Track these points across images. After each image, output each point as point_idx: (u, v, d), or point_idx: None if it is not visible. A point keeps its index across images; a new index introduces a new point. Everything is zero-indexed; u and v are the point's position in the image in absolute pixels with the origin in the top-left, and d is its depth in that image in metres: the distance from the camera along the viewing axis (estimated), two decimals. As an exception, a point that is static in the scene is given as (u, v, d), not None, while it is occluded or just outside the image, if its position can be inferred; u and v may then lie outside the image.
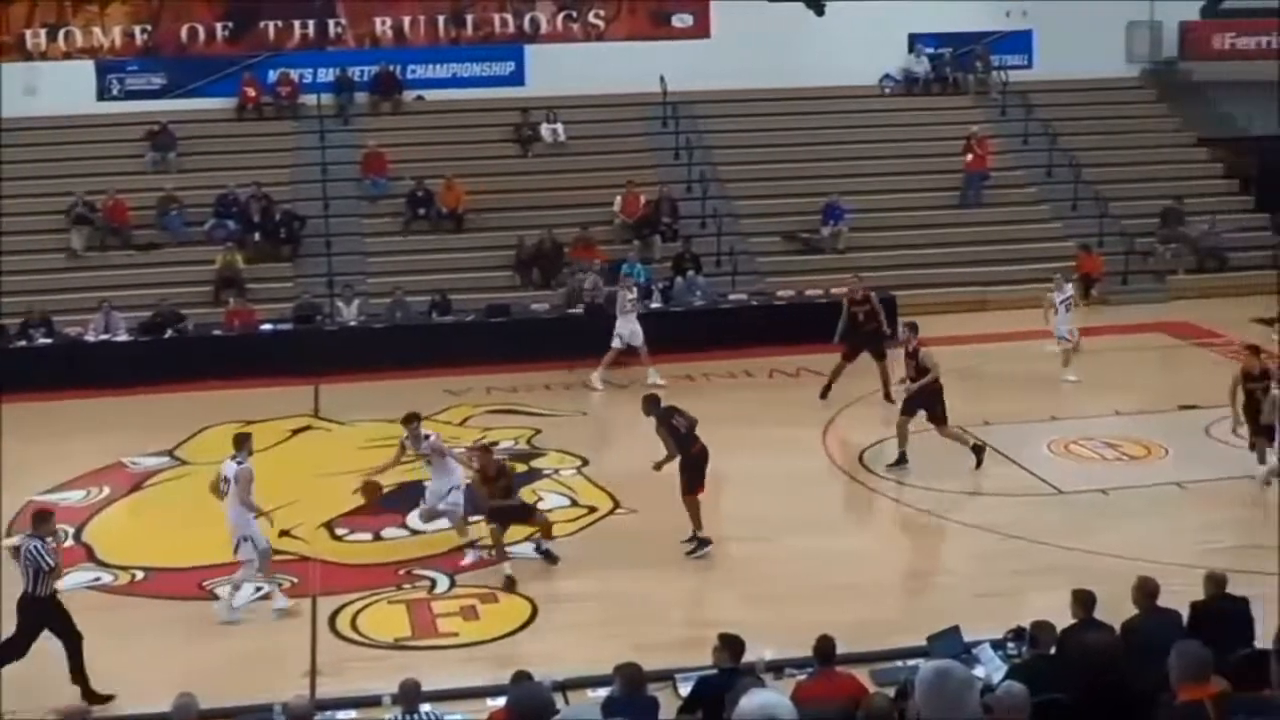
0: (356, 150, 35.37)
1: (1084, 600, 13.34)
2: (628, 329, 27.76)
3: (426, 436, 19.80)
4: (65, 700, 13.79)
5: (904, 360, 22.71)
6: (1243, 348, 23.00)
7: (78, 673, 15.09)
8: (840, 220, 33.99)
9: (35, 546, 15.09)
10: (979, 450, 22.07)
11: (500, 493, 18.75)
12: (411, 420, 19.83)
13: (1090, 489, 21.06)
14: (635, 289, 28.56)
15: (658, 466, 19.22)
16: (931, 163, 36.20)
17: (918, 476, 22.00)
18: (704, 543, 18.88)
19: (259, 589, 17.81)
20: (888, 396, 25.37)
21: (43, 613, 15.17)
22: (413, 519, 20.37)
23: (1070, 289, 27.73)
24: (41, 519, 15.51)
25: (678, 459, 19.07)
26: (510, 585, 17.93)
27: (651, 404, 19.53)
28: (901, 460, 22.10)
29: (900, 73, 39.14)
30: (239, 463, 17.49)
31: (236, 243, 32.42)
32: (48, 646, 15.21)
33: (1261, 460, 20.93)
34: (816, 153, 36.28)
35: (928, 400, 22.11)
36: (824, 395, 25.78)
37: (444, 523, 19.74)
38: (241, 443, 17.83)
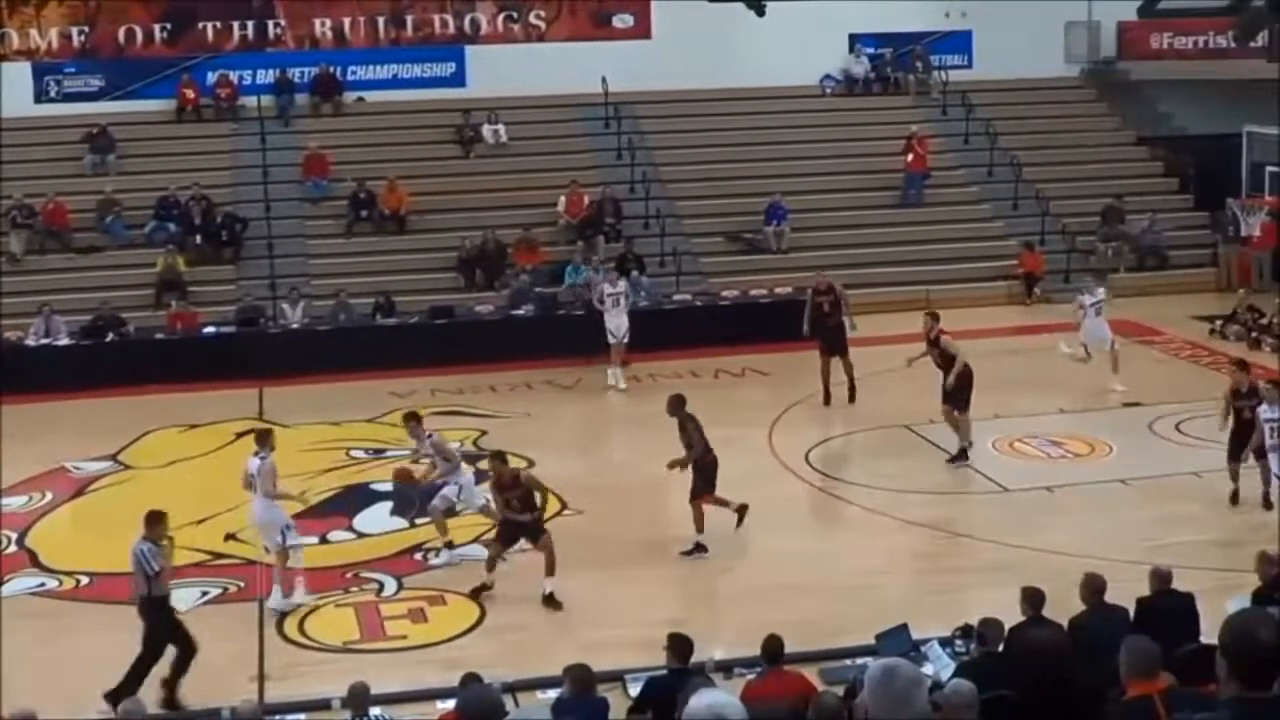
0: (297, 152, 35.23)
1: (1032, 598, 13.41)
2: (614, 323, 27.83)
3: (428, 435, 19.72)
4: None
5: (927, 349, 22.82)
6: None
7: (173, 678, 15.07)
8: (782, 220, 34.07)
9: (145, 549, 15.11)
10: (964, 453, 22.21)
11: (516, 503, 17.88)
12: (411, 419, 19.83)
13: (1036, 486, 21.19)
14: (621, 283, 28.61)
15: (675, 466, 19.20)
16: (873, 162, 36.34)
17: (864, 475, 22.09)
18: (701, 548, 18.81)
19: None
20: (852, 395, 25.52)
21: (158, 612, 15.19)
22: (361, 522, 20.31)
23: (1101, 292, 27.09)
24: (153, 521, 15.46)
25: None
26: (478, 592, 17.69)
27: (677, 404, 19.51)
28: (962, 455, 22.22)
29: (840, 73, 39.26)
30: (261, 458, 17.79)
31: (178, 245, 32.20)
32: (47, 655, 15.11)
33: (1234, 479, 20.45)
34: (758, 153, 36.34)
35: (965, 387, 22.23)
36: (826, 401, 25.91)
37: (397, 523, 19.86)
38: (264, 439, 18.18)
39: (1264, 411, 19.38)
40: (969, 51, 39.81)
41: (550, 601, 17.43)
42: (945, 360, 22.20)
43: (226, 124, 36.08)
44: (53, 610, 17.80)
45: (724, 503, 19.19)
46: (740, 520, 19.12)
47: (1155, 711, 7.87)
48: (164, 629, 15.16)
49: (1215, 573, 16.90)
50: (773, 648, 12.77)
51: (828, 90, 39.07)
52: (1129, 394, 25.75)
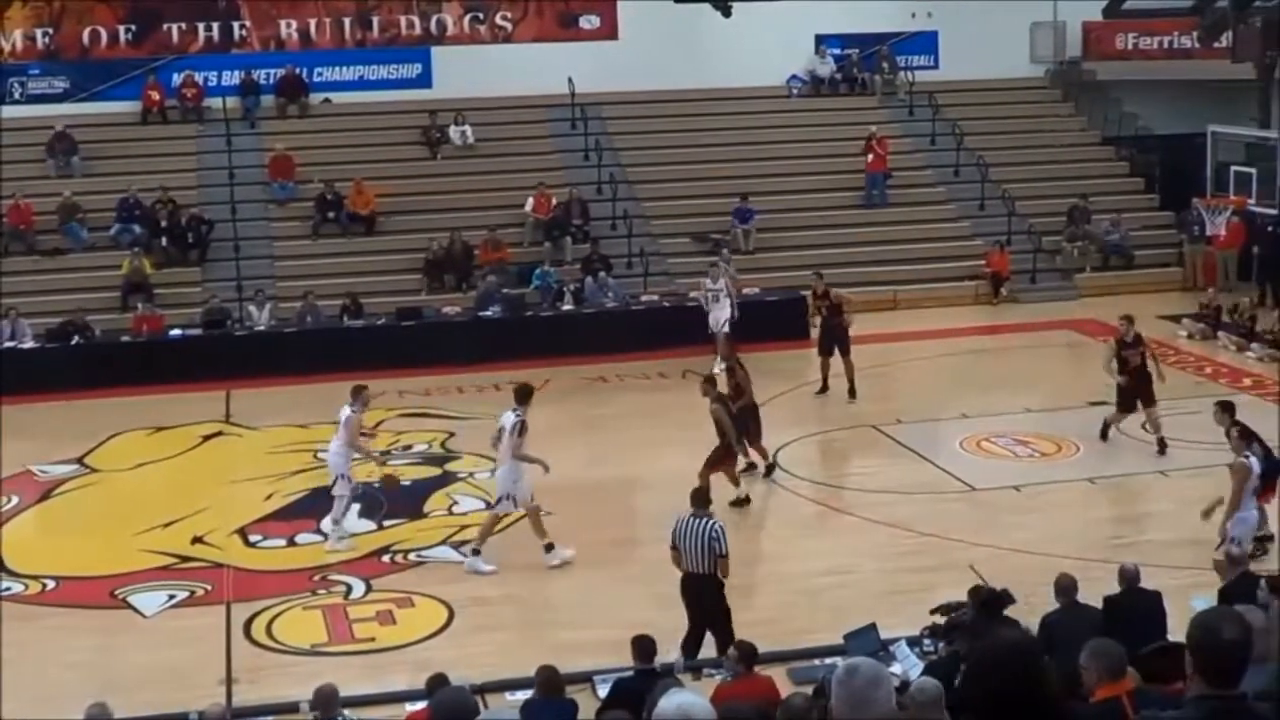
0: (263, 154, 35.13)
1: (982, 597, 13.57)
2: (714, 317, 28.35)
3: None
4: None
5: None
6: (1119, 318, 23.39)
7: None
8: (749, 221, 34.09)
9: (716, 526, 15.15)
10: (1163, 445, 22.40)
11: None
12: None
13: (1003, 486, 21.25)
14: (721, 280, 28.83)
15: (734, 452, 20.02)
16: (839, 163, 36.39)
17: (832, 475, 22.15)
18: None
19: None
20: (852, 393, 25.63)
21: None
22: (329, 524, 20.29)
23: None
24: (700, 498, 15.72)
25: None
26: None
27: (711, 387, 20.37)
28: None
29: (807, 74, 39.28)
30: (353, 410, 19.56)
31: (143, 248, 32.05)
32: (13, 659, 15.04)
33: (1108, 426, 22.40)
34: (725, 153, 36.35)
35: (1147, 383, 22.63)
36: (823, 390, 26.33)
37: (365, 525, 19.91)
38: (357, 393, 19.81)
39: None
40: (935, 52, 39.88)
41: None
42: (1142, 360, 22.52)
43: (192, 126, 35.93)
44: (19, 614, 17.69)
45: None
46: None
47: (1123, 713, 7.90)
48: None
49: (1181, 571, 16.97)
50: (746, 651, 12.80)
51: (794, 91, 39.09)
52: (1042, 390, 26.05)
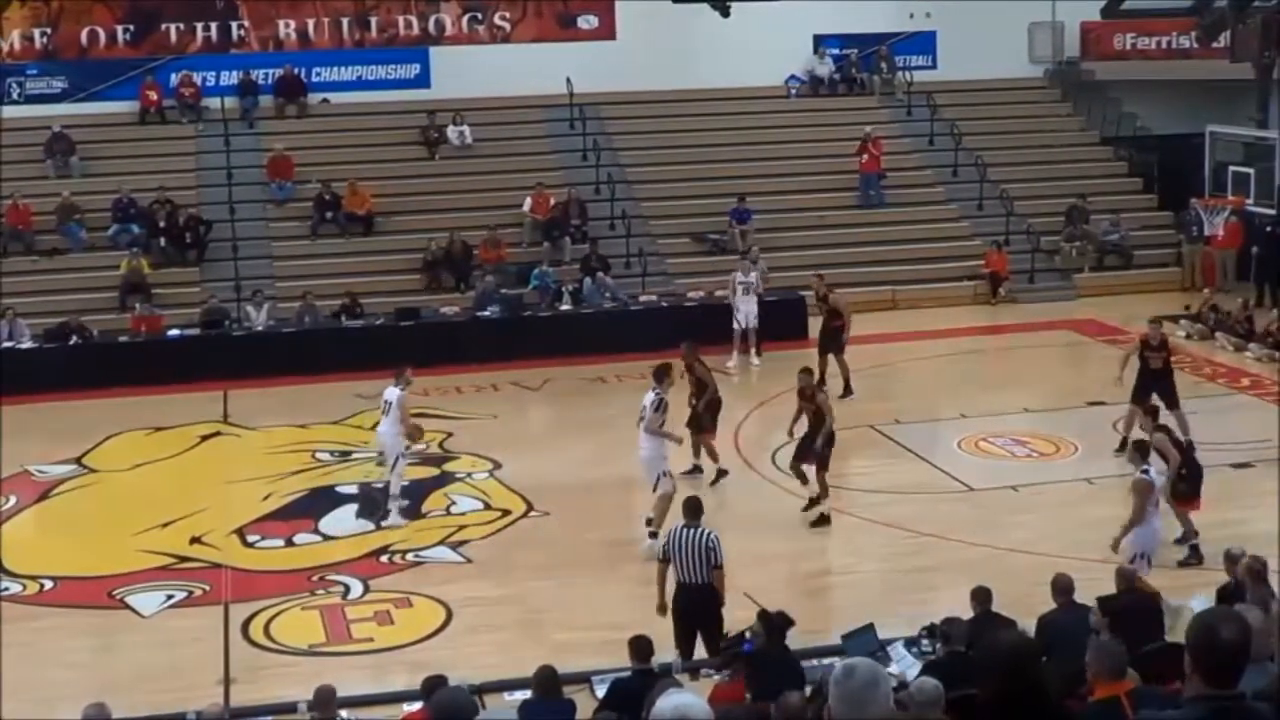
0: (262, 154, 35.10)
1: (981, 597, 13.62)
2: (744, 311, 28.60)
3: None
4: None
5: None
6: (1148, 321, 23.40)
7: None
8: (747, 221, 34.07)
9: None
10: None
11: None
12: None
13: (1001, 486, 21.26)
14: (753, 274, 29.08)
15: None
16: (838, 163, 36.35)
17: (830, 475, 22.08)
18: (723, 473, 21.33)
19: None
20: (847, 390, 25.68)
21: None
22: (327, 524, 20.28)
23: None
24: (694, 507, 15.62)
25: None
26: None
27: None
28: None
29: (805, 74, 39.26)
30: (400, 389, 20.54)
31: (142, 248, 32.02)
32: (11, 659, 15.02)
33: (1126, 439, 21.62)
34: (724, 154, 36.34)
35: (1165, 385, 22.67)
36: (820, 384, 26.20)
37: (363, 525, 19.93)
38: (400, 374, 20.74)
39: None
40: (933, 52, 39.87)
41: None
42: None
43: (190, 126, 35.91)
44: (17, 614, 17.68)
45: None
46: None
47: (1122, 711, 7.90)
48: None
49: (1179, 571, 16.99)
50: (776, 622, 12.85)
51: (792, 91, 39.07)
52: (1040, 390, 26.08)
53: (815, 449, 20.02)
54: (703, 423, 21.82)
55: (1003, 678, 6.61)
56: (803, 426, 20.54)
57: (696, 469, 21.77)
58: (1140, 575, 15.18)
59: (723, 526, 19.14)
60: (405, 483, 20.91)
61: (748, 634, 13.35)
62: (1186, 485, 18.48)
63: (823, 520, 19.87)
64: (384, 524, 20.34)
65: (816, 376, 26.05)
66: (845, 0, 38.81)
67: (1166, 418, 22.28)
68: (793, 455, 20.44)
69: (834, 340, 26.45)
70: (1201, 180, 33.58)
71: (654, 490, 19.22)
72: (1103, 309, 32.07)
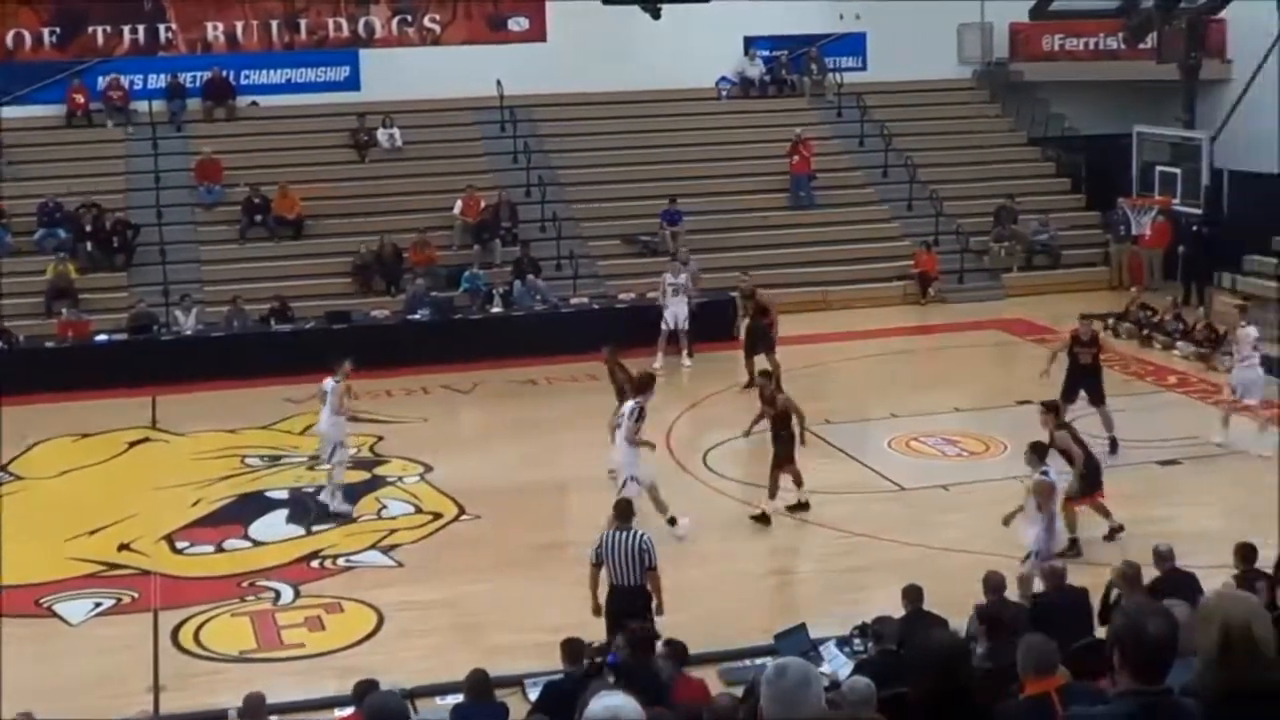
0: (190, 157, 34.83)
1: (913, 595, 13.69)
2: (672, 312, 28.56)
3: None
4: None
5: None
6: (1079, 318, 23.63)
7: None
8: (678, 223, 34.09)
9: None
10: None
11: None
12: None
13: (932, 485, 21.33)
14: (683, 275, 29.09)
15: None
16: (769, 164, 36.42)
17: (761, 476, 22.11)
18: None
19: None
20: (777, 388, 25.73)
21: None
22: (257, 530, 20.15)
23: (1252, 331, 24.07)
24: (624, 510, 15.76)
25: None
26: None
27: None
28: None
29: (736, 75, 39.32)
30: (336, 380, 20.83)
31: (68, 253, 31.73)
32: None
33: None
34: (655, 155, 36.37)
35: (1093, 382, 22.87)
36: (750, 384, 26.17)
37: (294, 530, 19.81)
38: (336, 367, 21.05)
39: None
40: (863, 54, 40.01)
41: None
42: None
43: (118, 129, 35.61)
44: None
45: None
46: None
47: (1052, 708, 7.92)
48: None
49: (1108, 568, 17.06)
50: (678, 651, 12.80)
51: (723, 93, 39.12)
52: (970, 390, 26.28)
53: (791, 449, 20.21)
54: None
55: (933, 678, 6.63)
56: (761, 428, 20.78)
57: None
58: (1032, 575, 15.34)
59: (657, 527, 19.18)
60: (339, 479, 21.01)
61: (612, 646, 13.32)
62: (1084, 482, 18.58)
63: (763, 519, 19.89)
64: (333, 510, 20.62)
65: (747, 378, 26.24)
66: (776, 1, 38.81)
67: (1089, 414, 22.52)
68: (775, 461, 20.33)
69: (763, 338, 26.54)
70: (1129, 180, 33.78)
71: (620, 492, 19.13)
72: (1031, 308, 32.26)
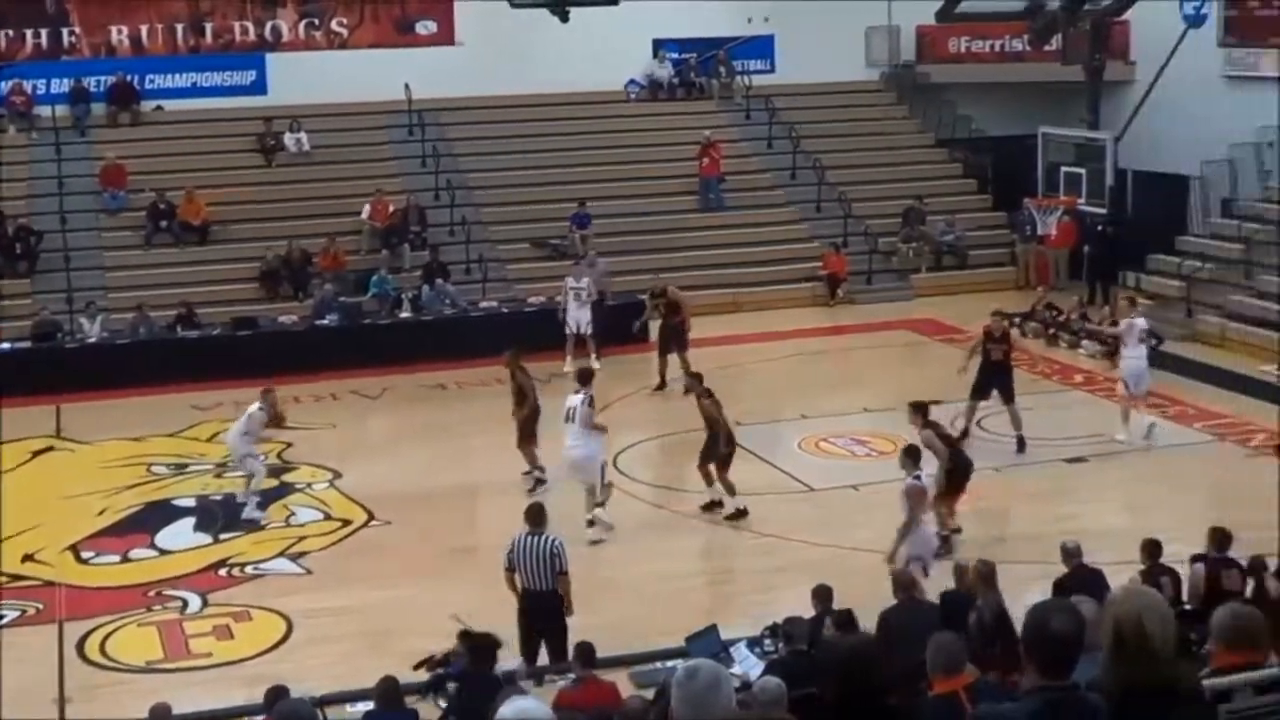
0: (94, 163, 34.43)
1: (823, 595, 13.74)
2: (575, 317, 28.47)
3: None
4: None
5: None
6: (991, 313, 23.82)
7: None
8: (587, 226, 34.05)
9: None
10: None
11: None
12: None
13: (842, 485, 21.41)
14: (585, 279, 29.00)
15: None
16: (678, 167, 36.45)
17: (671, 478, 22.19)
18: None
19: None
20: (707, 394, 25.93)
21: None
22: (163, 539, 19.96)
23: (1141, 323, 24.27)
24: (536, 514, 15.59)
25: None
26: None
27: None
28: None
29: (645, 78, 39.33)
30: (260, 408, 20.94)
31: (-31, 260, 31.35)
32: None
33: (967, 430, 22.72)
34: (564, 159, 36.34)
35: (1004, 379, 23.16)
36: (661, 387, 26.86)
37: (201, 539, 19.59)
38: (267, 394, 21.34)
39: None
40: (771, 56, 40.13)
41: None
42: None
43: (21, 135, 35.15)
44: None
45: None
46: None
47: (960, 706, 7.93)
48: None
49: (1017, 565, 17.19)
50: (585, 653, 12.77)
51: (632, 95, 39.15)
52: (880, 390, 26.53)
53: (718, 451, 20.30)
54: (525, 431, 21.77)
55: (841, 679, 6.63)
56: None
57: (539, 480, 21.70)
58: (919, 580, 15.39)
59: (566, 530, 19.13)
60: (255, 485, 21.11)
61: (451, 656, 13.24)
62: (952, 479, 18.75)
63: (738, 515, 20.12)
64: (244, 516, 20.65)
65: (659, 380, 26.34)
66: (684, 3, 38.82)
67: (1001, 412, 22.73)
68: (698, 458, 20.58)
69: (676, 337, 26.63)
70: (1034, 181, 34.05)
71: (602, 485, 19.91)
72: (939, 309, 32.46)
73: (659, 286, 27.79)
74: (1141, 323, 24.03)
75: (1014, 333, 29.56)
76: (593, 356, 28.43)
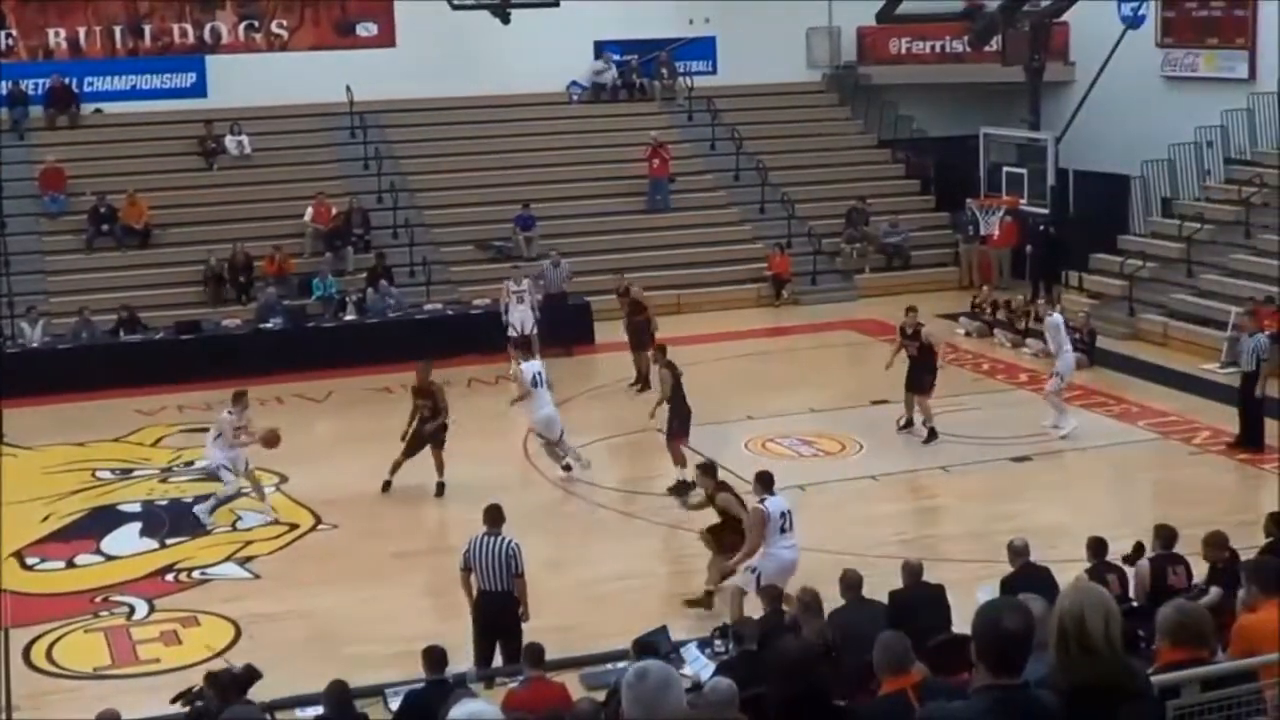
0: (33, 166, 34.17)
1: (770, 595, 13.80)
2: (518, 318, 28.58)
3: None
4: None
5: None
6: (905, 309, 24.24)
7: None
8: (532, 228, 34.04)
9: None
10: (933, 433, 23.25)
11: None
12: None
13: (788, 485, 21.31)
14: (525, 281, 29.13)
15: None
16: (621, 168, 36.48)
17: (618, 479, 22.20)
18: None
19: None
20: (645, 385, 26.63)
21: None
22: (109, 544, 19.83)
23: (1059, 318, 24.98)
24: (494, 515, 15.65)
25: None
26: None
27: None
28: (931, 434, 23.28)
29: (587, 80, 39.33)
30: (229, 413, 21.08)
31: (-92, 265, 31.08)
32: None
33: (909, 420, 23.61)
34: (507, 160, 36.30)
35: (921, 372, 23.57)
36: (645, 387, 27.03)
37: (148, 544, 19.53)
38: (238, 399, 21.32)
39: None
40: (713, 58, 40.20)
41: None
42: (922, 353, 23.40)
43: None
44: None
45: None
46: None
47: (909, 705, 7.99)
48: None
49: (964, 564, 17.29)
50: (534, 654, 12.78)
51: (574, 97, 39.13)
52: (825, 390, 26.85)
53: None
54: (425, 440, 21.94)
55: (787, 682, 6.68)
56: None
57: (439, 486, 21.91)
58: (749, 592, 15.68)
59: (515, 534, 19.12)
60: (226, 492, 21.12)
61: (201, 691, 13.06)
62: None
63: (681, 488, 20.81)
64: (203, 518, 20.75)
65: (637, 379, 26.68)
66: (626, 2, 38.84)
67: (951, 410, 22.85)
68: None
69: (639, 335, 26.93)
70: (977, 181, 34.19)
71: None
72: (884, 309, 32.51)
73: (622, 286, 28.03)
74: (1059, 317, 24.52)
75: (959, 332, 29.99)
76: (536, 358, 28.47)
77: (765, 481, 16.97)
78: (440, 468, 21.78)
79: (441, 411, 21.81)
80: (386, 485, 21.84)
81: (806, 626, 12.76)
